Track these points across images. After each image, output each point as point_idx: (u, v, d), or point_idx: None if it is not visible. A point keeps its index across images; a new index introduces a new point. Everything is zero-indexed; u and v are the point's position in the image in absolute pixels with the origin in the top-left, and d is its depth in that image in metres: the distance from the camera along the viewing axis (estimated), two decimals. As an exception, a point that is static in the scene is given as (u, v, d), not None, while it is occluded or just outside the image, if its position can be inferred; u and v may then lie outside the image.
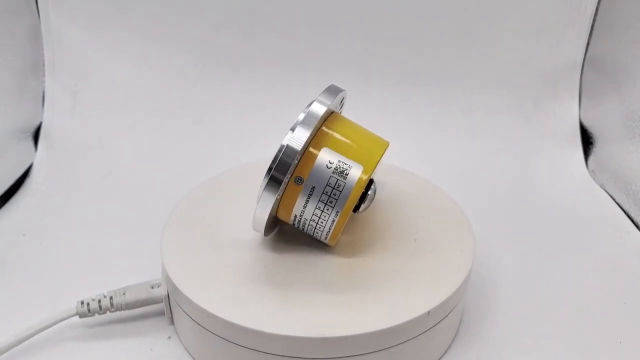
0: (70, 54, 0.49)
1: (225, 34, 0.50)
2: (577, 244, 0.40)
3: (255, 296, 0.27)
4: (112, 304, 0.31)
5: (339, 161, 0.27)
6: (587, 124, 0.50)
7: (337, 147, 0.27)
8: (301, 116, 0.27)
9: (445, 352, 0.31)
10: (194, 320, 0.28)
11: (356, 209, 0.29)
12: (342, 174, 0.27)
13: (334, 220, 0.28)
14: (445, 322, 0.29)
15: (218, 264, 0.30)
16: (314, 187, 0.27)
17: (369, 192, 0.29)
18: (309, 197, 0.28)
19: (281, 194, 0.28)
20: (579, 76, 0.50)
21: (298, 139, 0.26)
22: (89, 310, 0.30)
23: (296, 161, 0.26)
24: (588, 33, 0.49)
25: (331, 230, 0.29)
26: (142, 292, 0.31)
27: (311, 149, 0.27)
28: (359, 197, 0.28)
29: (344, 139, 0.28)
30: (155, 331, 0.32)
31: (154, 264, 0.32)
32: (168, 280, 0.29)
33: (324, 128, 0.28)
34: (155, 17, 0.49)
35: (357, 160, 0.27)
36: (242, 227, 0.32)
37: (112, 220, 0.41)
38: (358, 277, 0.29)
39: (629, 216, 0.43)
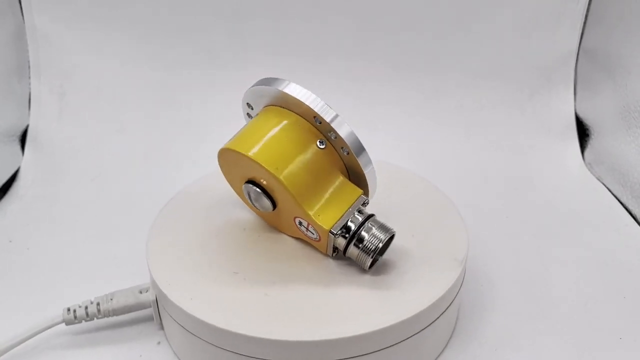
0: (55, 55, 0.48)
1: (213, 32, 0.49)
2: (574, 238, 0.39)
3: (244, 300, 0.27)
4: (99, 310, 0.30)
5: (244, 128, 0.29)
6: (583, 116, 0.49)
7: (254, 124, 0.29)
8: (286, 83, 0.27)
9: (442, 351, 0.30)
10: (182, 326, 0.27)
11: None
12: None
13: None
14: (441, 321, 0.28)
15: (205, 267, 0.29)
16: None
17: (254, 192, 0.28)
18: None
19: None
20: (573, 67, 0.50)
21: (261, 82, 0.28)
22: (75, 317, 0.30)
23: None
24: (582, 24, 0.49)
25: None
26: (130, 298, 0.30)
27: (267, 107, 0.29)
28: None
29: (261, 128, 0.28)
30: (145, 337, 0.31)
31: (144, 268, 0.31)
32: (154, 284, 0.28)
33: (282, 109, 0.28)
34: (141, 16, 0.49)
35: (239, 138, 0.28)
36: (230, 230, 0.31)
37: (100, 224, 0.41)
38: (350, 277, 0.28)
39: (626, 209, 0.42)
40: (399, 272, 0.28)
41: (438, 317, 0.28)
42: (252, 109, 0.30)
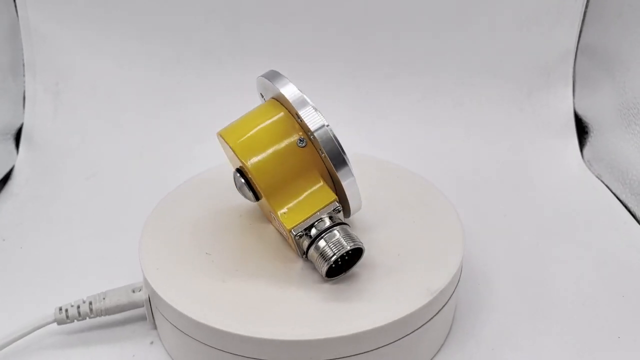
0: (50, 53, 0.48)
1: (209, 29, 0.49)
2: (573, 236, 0.39)
3: (237, 300, 0.26)
4: (91, 310, 0.29)
5: (241, 117, 0.29)
6: (582, 113, 0.49)
7: (250, 114, 0.29)
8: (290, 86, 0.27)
9: (438, 351, 0.30)
10: (174, 325, 0.27)
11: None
12: None
13: None
14: (437, 320, 0.28)
15: (198, 266, 0.28)
16: None
17: (239, 181, 0.28)
18: None
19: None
20: (572, 65, 0.50)
21: (264, 74, 0.28)
22: (67, 317, 0.29)
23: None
24: (580, 21, 0.48)
25: None
26: (123, 297, 0.30)
27: (270, 99, 0.29)
28: None
29: (254, 119, 0.28)
30: (138, 336, 0.31)
31: (138, 267, 0.31)
32: (147, 283, 0.28)
33: (279, 104, 0.28)
34: (137, 14, 0.48)
35: (232, 126, 0.29)
36: (223, 228, 0.31)
37: (95, 224, 0.40)
38: (312, 283, 0.28)
39: (625, 206, 0.42)
40: (362, 287, 0.27)
41: (433, 317, 0.27)
42: (264, 99, 0.30)
